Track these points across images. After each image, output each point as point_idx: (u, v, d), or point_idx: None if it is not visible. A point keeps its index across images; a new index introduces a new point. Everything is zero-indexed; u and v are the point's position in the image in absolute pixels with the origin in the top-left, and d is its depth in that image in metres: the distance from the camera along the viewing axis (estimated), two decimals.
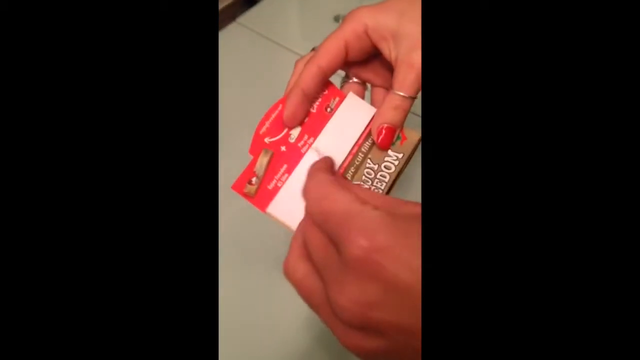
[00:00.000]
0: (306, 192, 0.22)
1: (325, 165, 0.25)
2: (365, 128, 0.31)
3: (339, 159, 0.30)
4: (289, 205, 0.28)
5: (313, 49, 0.32)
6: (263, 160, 0.29)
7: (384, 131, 0.29)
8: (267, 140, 0.29)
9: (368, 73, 0.33)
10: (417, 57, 0.28)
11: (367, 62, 0.32)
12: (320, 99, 0.31)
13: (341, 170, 0.29)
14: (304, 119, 0.30)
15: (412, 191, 0.46)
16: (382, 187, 0.29)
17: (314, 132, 0.30)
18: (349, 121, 0.31)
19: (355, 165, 0.30)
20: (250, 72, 0.60)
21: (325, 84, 0.31)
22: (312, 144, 0.30)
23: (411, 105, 0.30)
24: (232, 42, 0.63)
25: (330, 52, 0.30)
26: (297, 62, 0.32)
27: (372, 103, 0.33)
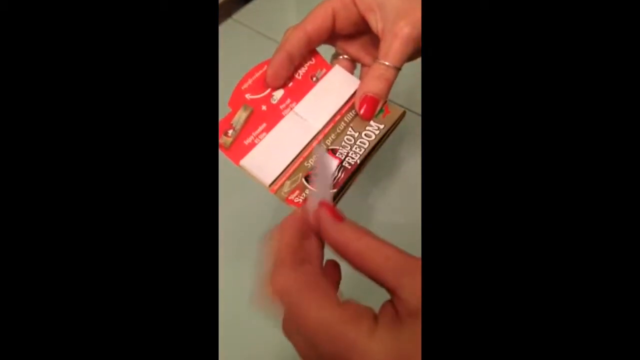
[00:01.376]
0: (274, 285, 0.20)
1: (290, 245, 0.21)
2: (349, 99, 0.31)
3: (318, 125, 0.30)
4: (263, 161, 0.28)
5: None
6: (242, 115, 0.29)
7: (366, 101, 0.29)
8: (247, 96, 0.30)
9: (357, 50, 0.33)
10: (401, 27, 0.28)
11: (356, 39, 0.33)
12: (307, 68, 0.32)
13: (321, 136, 0.30)
14: (287, 81, 0.31)
15: (413, 193, 0.45)
16: (360, 153, 0.29)
17: (297, 98, 0.31)
18: (332, 91, 0.31)
19: (336, 132, 0.30)
20: (246, 69, 0.59)
21: (311, 52, 0.32)
22: (293, 107, 0.30)
23: (395, 75, 0.29)
24: (227, 38, 0.62)
25: (317, 18, 0.30)
26: (287, 30, 0.32)
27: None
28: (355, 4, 0.30)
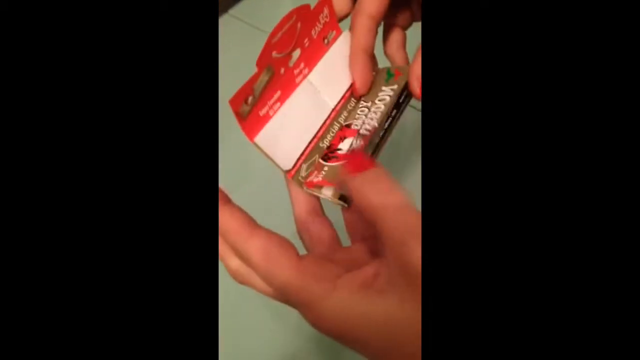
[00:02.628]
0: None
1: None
2: None
3: (332, 102, 0.28)
4: (278, 139, 0.26)
5: None
6: (263, 79, 0.25)
7: (419, 82, 0.26)
8: (274, 54, 0.25)
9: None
10: None
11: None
12: (322, 26, 0.28)
13: (334, 114, 0.28)
14: (304, 40, 0.27)
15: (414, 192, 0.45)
16: (377, 116, 0.27)
17: (310, 63, 0.28)
18: (343, 60, 0.29)
19: (347, 109, 0.28)
20: (243, 64, 0.58)
21: (329, 6, 0.28)
22: (307, 74, 0.28)
23: None
24: (224, 34, 0.62)
25: None
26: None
27: (386, 42, 0.31)
28: None
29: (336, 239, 0.25)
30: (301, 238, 0.25)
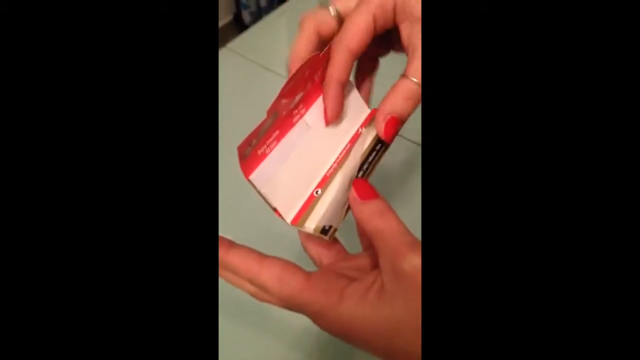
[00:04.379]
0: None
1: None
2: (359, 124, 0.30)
3: (332, 145, 0.29)
4: (270, 176, 0.26)
5: (319, 3, 0.29)
6: (268, 122, 0.25)
7: (392, 123, 0.26)
8: (283, 101, 0.26)
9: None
10: None
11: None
12: (323, 69, 0.28)
13: (335, 165, 0.28)
14: (306, 83, 0.27)
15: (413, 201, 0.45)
16: (357, 158, 0.27)
17: (307, 103, 0.28)
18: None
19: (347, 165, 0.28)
20: (240, 97, 0.59)
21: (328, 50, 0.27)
22: (303, 114, 0.28)
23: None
24: (222, 67, 0.63)
25: (360, 31, 0.26)
26: (303, 17, 0.28)
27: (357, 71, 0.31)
28: (394, 12, 0.26)
29: (341, 249, 0.27)
30: (308, 254, 0.27)
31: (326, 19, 0.28)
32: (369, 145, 0.28)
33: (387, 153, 0.28)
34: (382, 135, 0.27)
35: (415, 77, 0.26)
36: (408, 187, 0.49)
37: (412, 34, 0.26)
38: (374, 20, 0.26)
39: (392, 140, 0.27)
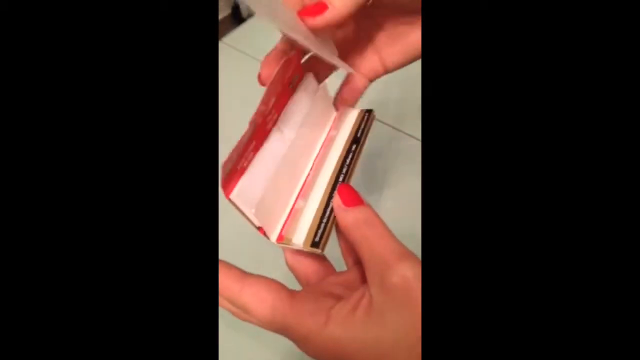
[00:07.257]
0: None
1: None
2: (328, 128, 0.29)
3: (306, 151, 0.28)
4: (250, 193, 0.23)
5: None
6: (248, 133, 0.24)
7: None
8: (261, 108, 0.24)
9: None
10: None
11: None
12: (292, 70, 0.26)
13: (312, 172, 0.27)
14: (278, 86, 0.25)
15: (412, 202, 0.45)
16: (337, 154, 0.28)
17: (279, 108, 0.26)
18: (308, 104, 0.28)
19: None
20: (237, 91, 0.59)
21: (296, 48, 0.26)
22: (276, 120, 0.26)
23: None
24: (219, 61, 0.62)
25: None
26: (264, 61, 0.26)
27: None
28: None
29: (328, 267, 0.25)
30: (294, 274, 0.26)
31: None
32: (344, 147, 0.28)
33: (362, 154, 0.28)
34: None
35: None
36: (407, 184, 0.48)
37: None
38: None
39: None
